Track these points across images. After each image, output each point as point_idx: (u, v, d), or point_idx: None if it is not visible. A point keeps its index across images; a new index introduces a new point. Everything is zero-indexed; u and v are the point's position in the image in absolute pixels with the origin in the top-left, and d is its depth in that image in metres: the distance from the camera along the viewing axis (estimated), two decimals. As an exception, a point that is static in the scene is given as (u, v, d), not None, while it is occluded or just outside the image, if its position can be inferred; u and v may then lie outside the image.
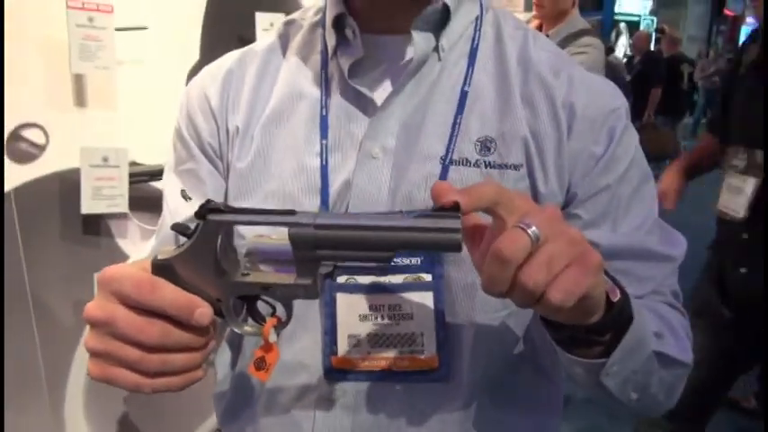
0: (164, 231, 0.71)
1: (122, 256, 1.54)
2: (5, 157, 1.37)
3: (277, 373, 0.58)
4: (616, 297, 0.51)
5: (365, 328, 0.60)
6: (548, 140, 0.62)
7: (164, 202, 0.72)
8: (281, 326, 0.50)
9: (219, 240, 0.46)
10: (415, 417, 0.61)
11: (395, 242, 0.44)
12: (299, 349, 0.62)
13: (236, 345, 0.69)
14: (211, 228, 0.46)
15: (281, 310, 0.50)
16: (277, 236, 0.49)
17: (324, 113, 0.64)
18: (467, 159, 0.61)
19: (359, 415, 0.61)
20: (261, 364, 0.49)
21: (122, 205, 1.48)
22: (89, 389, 1.54)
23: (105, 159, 1.44)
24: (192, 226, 0.48)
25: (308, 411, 0.62)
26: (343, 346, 0.60)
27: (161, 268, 0.47)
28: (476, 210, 0.44)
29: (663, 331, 0.59)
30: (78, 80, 1.44)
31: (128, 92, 1.49)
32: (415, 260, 0.60)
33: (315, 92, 0.66)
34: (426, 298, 0.60)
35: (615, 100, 0.64)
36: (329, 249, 0.45)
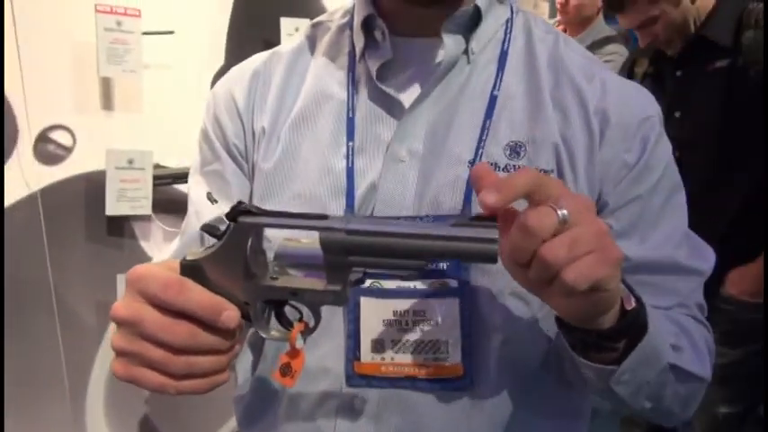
0: (189, 232, 0.70)
1: (145, 258, 1.56)
2: (33, 157, 1.40)
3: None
4: (630, 305, 0.50)
5: (389, 334, 0.59)
6: (579, 147, 0.60)
7: (189, 203, 0.71)
8: (308, 332, 0.49)
9: (249, 243, 0.46)
10: (439, 425, 0.60)
11: (429, 251, 0.43)
12: (321, 354, 0.61)
13: (257, 348, 0.68)
14: (242, 230, 0.46)
15: (306, 314, 0.49)
16: (307, 239, 0.48)
17: (351, 115, 0.64)
18: (496, 164, 0.60)
19: (381, 422, 0.60)
20: (287, 371, 0.48)
21: (146, 207, 1.49)
22: (110, 389, 1.56)
23: (130, 162, 1.46)
24: (222, 227, 0.47)
25: (329, 418, 0.61)
26: (366, 352, 0.59)
27: (189, 269, 0.46)
28: (512, 202, 0.44)
29: (682, 344, 0.58)
30: (105, 83, 1.47)
31: (154, 95, 1.52)
32: (442, 265, 0.59)
33: (342, 93, 0.65)
34: (452, 304, 0.58)
35: (649, 107, 0.63)
36: (361, 256, 0.44)
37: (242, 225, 0.45)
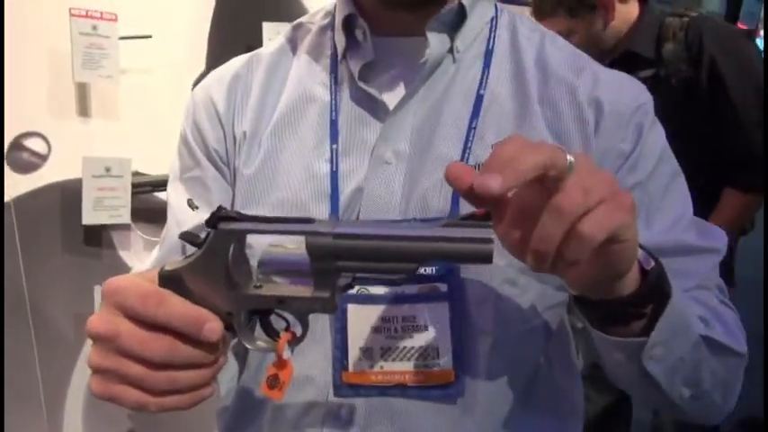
0: (169, 241, 0.69)
1: (124, 268, 1.53)
2: (6, 166, 1.36)
3: None
4: (650, 265, 0.49)
5: (378, 341, 0.58)
6: (573, 139, 0.60)
7: (168, 210, 0.70)
8: (295, 341, 0.47)
9: (231, 250, 0.44)
10: None
11: (421, 253, 0.41)
12: (306, 363, 0.59)
13: (240, 357, 0.67)
14: (223, 237, 0.44)
15: (292, 323, 0.48)
16: (292, 245, 0.46)
17: (334, 117, 0.63)
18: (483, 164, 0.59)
19: (370, 431, 0.59)
20: (274, 383, 0.46)
21: (125, 216, 1.46)
22: (88, 404, 1.52)
23: (108, 169, 1.43)
24: (202, 235, 0.45)
25: (315, 428, 0.60)
26: (354, 360, 0.58)
27: (168, 280, 0.44)
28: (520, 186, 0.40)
29: (710, 318, 0.57)
30: (81, 89, 1.44)
31: (131, 101, 1.49)
32: (431, 269, 0.58)
33: (324, 96, 0.64)
34: (442, 309, 0.57)
35: (641, 95, 0.63)
36: (349, 260, 0.42)
37: (223, 232, 0.44)
